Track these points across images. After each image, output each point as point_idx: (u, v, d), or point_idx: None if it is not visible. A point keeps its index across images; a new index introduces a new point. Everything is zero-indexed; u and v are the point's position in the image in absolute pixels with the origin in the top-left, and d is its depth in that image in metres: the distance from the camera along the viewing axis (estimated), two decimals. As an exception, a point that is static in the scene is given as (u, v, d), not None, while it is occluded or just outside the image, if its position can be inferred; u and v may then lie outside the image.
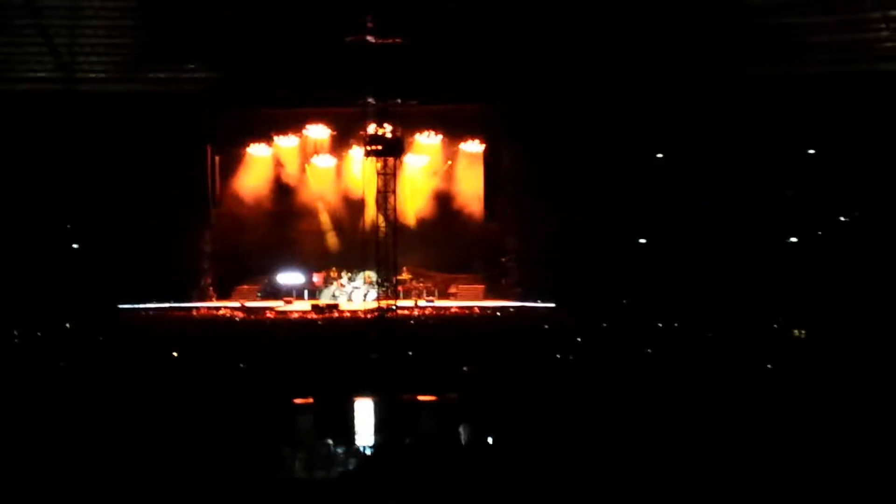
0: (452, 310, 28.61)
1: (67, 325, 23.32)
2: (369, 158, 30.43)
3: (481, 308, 28.82)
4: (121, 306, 30.75)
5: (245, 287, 32.55)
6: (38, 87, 29.54)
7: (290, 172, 33.44)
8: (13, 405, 11.41)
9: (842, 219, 28.60)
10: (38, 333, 20.28)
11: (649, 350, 16.11)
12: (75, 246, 31.08)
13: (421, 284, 32.52)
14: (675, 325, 21.27)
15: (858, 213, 28.21)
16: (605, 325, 22.27)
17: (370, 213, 32.26)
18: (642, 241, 30.49)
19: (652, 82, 28.67)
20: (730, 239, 28.49)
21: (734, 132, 28.67)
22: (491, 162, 32.45)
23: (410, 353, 16.03)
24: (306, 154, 33.26)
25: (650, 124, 28.98)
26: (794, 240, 28.73)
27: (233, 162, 33.18)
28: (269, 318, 27.34)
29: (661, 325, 21.33)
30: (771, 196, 28.93)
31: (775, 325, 20.31)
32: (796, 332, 18.73)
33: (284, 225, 33.17)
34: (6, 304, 25.76)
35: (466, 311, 28.12)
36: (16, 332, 19.39)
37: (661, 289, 28.50)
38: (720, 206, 28.70)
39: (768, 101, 28.52)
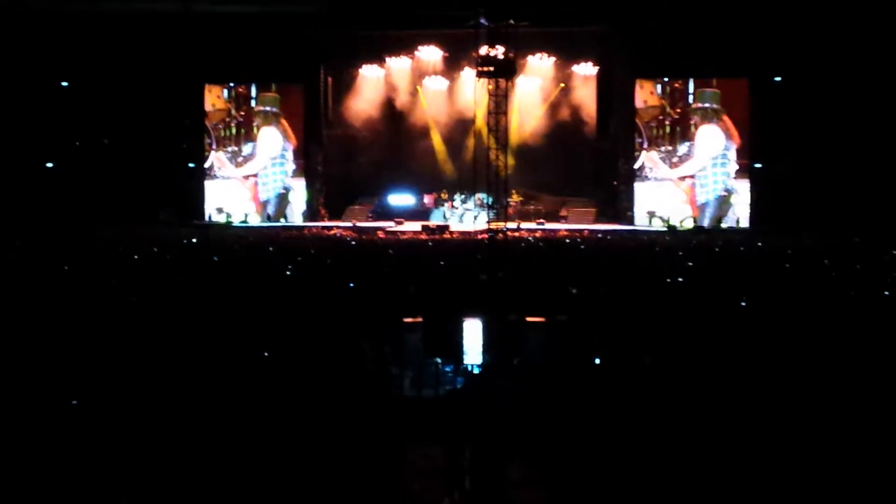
0: (562, 232, 28.46)
1: (188, 241, 23.80)
2: (481, 80, 30.23)
3: (591, 231, 28.62)
4: (233, 223, 31.42)
5: (356, 207, 32.84)
6: (154, 8, 29.87)
7: (402, 94, 33.50)
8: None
9: None
10: (155, 249, 20.72)
11: (757, 277, 15.83)
12: (191, 165, 31.71)
13: (531, 207, 32.46)
14: (787, 250, 20.89)
15: None
16: (717, 249, 21.95)
17: (481, 134, 32.20)
18: (758, 165, 29.99)
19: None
20: (848, 164, 27.84)
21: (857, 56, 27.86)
22: (604, 85, 32.11)
23: (519, 275, 16.00)
24: (418, 75, 33.27)
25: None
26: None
27: (345, 83, 33.39)
28: (379, 238, 27.49)
29: (790, 251, 20.93)
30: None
31: (895, 252, 19.80)
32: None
33: (395, 146, 33.31)
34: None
35: (576, 234, 27.93)
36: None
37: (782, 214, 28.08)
38: (837, 131, 28.02)
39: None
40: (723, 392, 8.29)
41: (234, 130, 32.96)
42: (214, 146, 32.83)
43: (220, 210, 32.39)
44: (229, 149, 32.96)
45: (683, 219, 30.67)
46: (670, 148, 31.31)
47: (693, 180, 31.14)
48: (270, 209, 32.93)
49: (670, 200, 31.13)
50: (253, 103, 33.08)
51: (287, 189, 33.08)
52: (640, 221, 31.11)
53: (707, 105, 30.91)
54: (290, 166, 33.07)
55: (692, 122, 31.07)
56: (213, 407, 8.02)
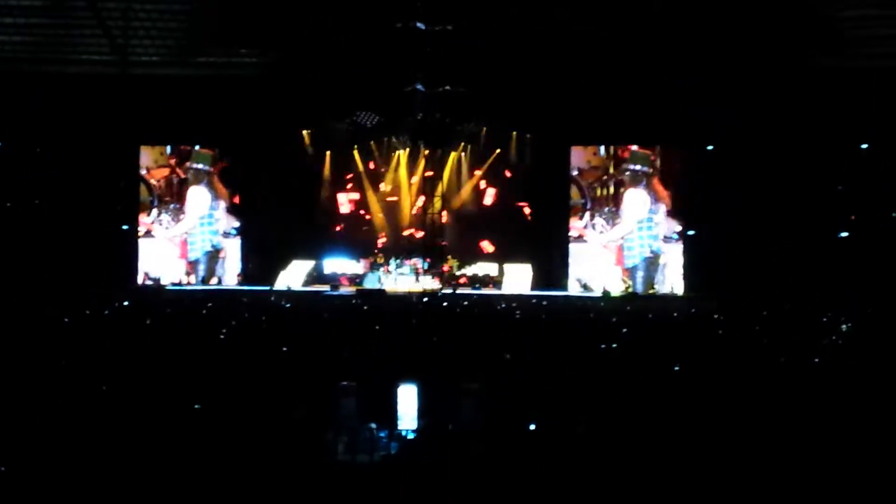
0: (498, 298, 28.54)
1: (123, 303, 23.54)
2: (417, 146, 30.50)
3: (528, 296, 28.72)
4: (168, 287, 31.12)
5: (291, 271, 32.67)
6: (90, 70, 29.81)
7: (339, 157, 33.48)
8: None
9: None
10: (87, 312, 20.45)
11: (692, 340, 15.98)
12: (125, 227, 31.45)
13: (467, 272, 32.50)
14: (718, 316, 21.09)
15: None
16: (650, 315, 22.12)
17: (417, 200, 32.36)
18: (691, 232, 30.42)
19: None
20: (779, 232, 28.34)
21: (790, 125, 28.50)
22: (540, 150, 32.33)
23: (455, 340, 16.00)
24: (355, 139, 33.27)
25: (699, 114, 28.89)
26: (844, 234, 28.49)
27: (280, 146, 33.26)
28: (314, 302, 27.36)
29: (717, 316, 21.13)
30: (823, 190, 28.73)
31: (824, 319, 20.08)
32: (844, 326, 18.52)
33: (330, 209, 33.26)
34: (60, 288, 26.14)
35: (512, 300, 28.03)
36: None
37: (714, 280, 28.46)
38: (769, 198, 28.56)
39: (828, 93, 28.32)
40: (658, 456, 8.34)
41: (174, 188, 32.76)
42: (157, 203, 32.64)
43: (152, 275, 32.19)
44: (171, 206, 32.79)
45: (622, 288, 30.94)
46: (613, 209, 31.58)
47: (621, 242, 31.49)
48: (201, 270, 32.72)
49: (603, 264, 31.40)
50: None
51: (216, 248, 32.88)
52: (575, 288, 31.31)
53: (637, 168, 31.28)
54: (221, 225, 32.91)
55: (623, 184, 31.48)
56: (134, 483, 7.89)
